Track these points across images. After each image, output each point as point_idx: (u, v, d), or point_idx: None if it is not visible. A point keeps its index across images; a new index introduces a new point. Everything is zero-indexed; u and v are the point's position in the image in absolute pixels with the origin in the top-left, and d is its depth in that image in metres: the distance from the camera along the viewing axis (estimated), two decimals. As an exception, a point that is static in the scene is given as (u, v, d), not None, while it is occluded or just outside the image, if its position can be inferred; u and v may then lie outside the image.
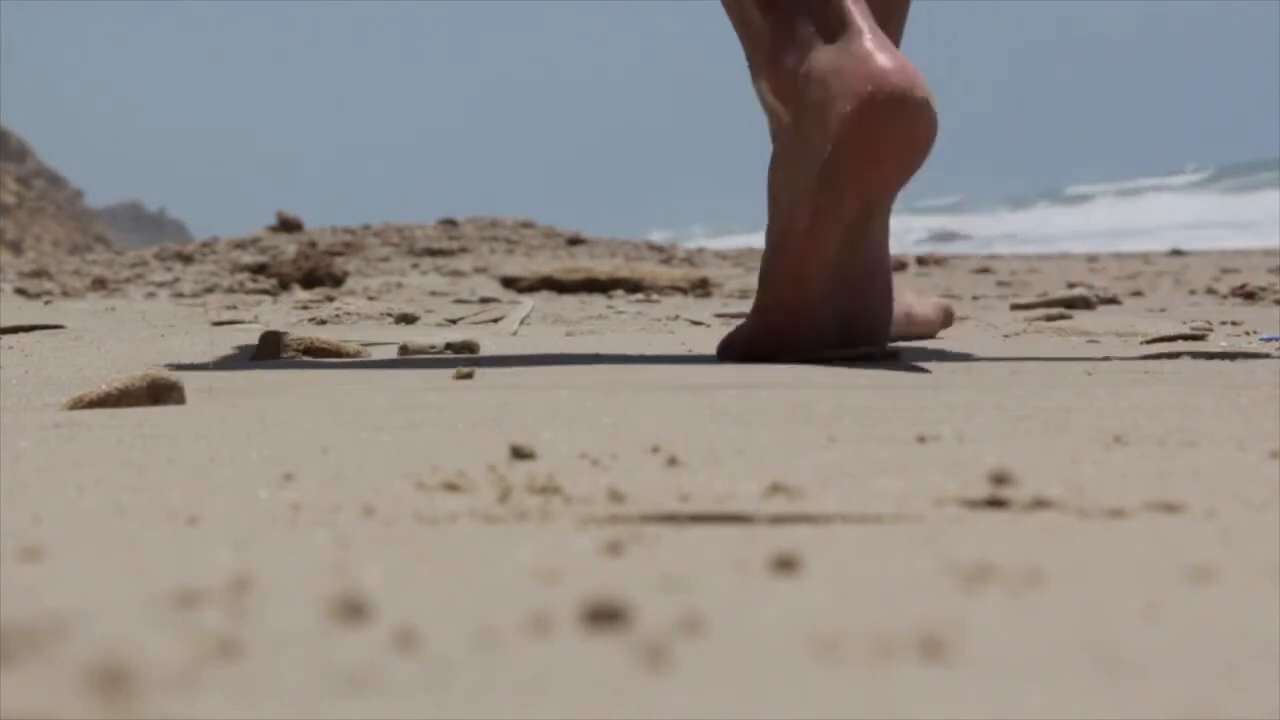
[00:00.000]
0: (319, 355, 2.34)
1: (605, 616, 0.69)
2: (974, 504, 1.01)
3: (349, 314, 3.87)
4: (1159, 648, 0.66)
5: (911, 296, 2.67)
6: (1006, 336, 2.78)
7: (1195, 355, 2.22)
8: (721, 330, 2.97)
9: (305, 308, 4.25)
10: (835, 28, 1.90)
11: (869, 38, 1.88)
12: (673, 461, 1.17)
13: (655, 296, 4.93)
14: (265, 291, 5.33)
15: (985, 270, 7.32)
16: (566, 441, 1.29)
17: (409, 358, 2.36)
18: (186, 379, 1.75)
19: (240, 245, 8.53)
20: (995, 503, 1.01)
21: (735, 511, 0.98)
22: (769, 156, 2.06)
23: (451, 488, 1.08)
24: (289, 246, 8.06)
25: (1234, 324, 3.16)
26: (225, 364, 2.29)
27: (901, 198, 2.06)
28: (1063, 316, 3.36)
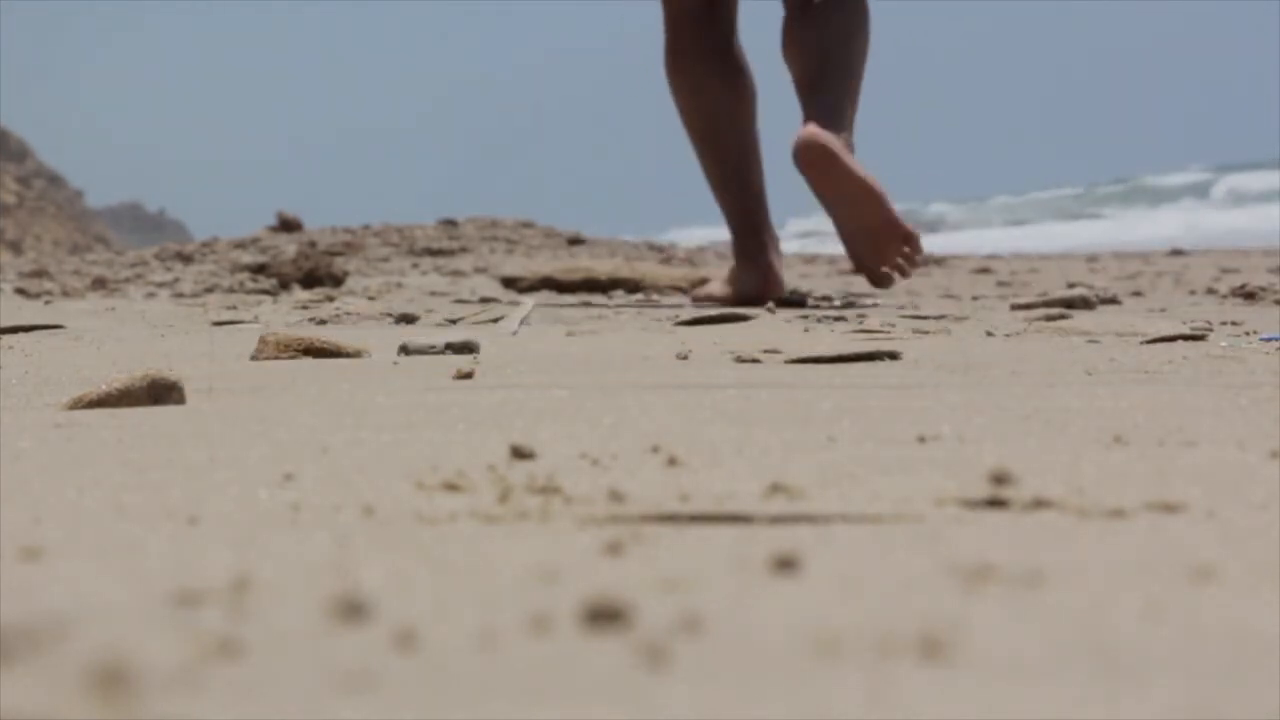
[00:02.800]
0: (319, 355, 2.34)
1: (605, 616, 0.69)
2: (974, 504, 1.01)
3: (349, 314, 3.87)
4: (1159, 648, 0.66)
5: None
6: (1007, 336, 2.78)
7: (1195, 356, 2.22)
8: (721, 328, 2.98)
9: (305, 308, 4.25)
10: (754, 250, 4.36)
11: (757, 264, 4.35)
12: (673, 461, 1.17)
13: (655, 296, 4.93)
14: (265, 291, 5.33)
15: (985, 270, 7.31)
16: (566, 441, 1.29)
17: (409, 358, 2.36)
18: (186, 379, 1.75)
19: (240, 245, 8.53)
20: (995, 503, 1.01)
21: (735, 511, 0.98)
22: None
23: (451, 488, 1.08)
24: (289, 246, 8.05)
25: (1234, 324, 3.16)
26: (225, 364, 2.29)
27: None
28: (1063, 316, 3.36)
